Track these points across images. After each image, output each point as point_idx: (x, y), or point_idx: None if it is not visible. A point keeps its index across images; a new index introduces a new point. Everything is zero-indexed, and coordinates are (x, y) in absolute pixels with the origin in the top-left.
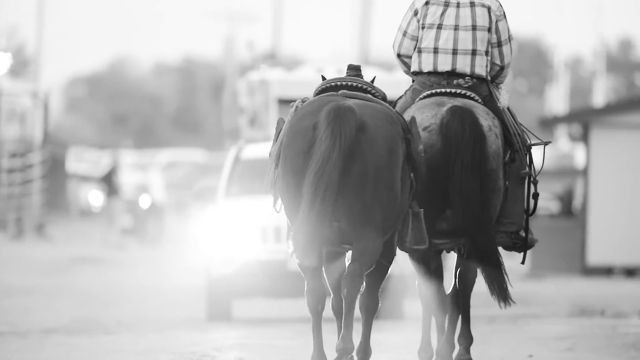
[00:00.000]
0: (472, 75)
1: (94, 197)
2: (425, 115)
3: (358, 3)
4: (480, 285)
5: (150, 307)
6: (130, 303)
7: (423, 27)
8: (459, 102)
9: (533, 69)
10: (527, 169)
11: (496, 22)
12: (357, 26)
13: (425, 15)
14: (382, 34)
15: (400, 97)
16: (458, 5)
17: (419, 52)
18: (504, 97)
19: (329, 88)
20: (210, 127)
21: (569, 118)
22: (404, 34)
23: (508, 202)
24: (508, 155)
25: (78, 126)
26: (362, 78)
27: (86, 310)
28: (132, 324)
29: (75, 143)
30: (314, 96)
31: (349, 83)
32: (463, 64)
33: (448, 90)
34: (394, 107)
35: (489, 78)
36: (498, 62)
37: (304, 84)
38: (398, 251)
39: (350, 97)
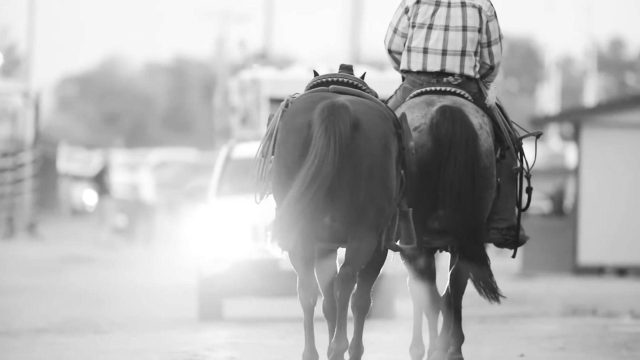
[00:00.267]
0: (462, 75)
1: (88, 196)
2: (416, 115)
3: (349, 3)
4: (471, 285)
5: (142, 307)
6: (122, 302)
7: (413, 26)
8: (448, 100)
9: (524, 69)
10: (519, 164)
11: (487, 22)
12: (348, 26)
13: (416, 15)
14: (373, 33)
15: (391, 96)
16: (449, 5)
17: (409, 50)
18: (492, 94)
19: (319, 84)
20: (202, 126)
21: (560, 117)
22: (395, 30)
23: (500, 198)
24: (499, 152)
25: (69, 125)
26: (353, 76)
27: (78, 310)
28: (124, 324)
29: (67, 142)
30: (306, 91)
31: (340, 79)
32: (452, 65)
33: (438, 88)
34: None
35: (477, 76)
36: (488, 61)
37: (295, 83)
38: (390, 250)
39: (340, 92)
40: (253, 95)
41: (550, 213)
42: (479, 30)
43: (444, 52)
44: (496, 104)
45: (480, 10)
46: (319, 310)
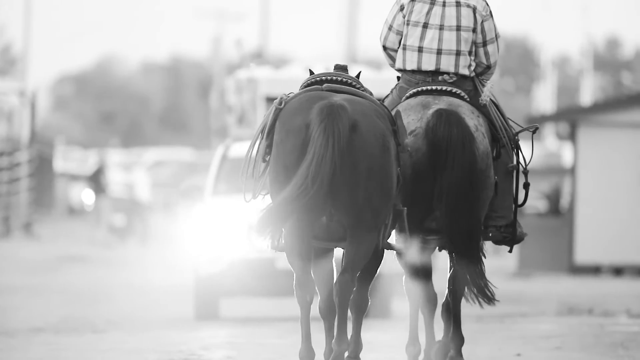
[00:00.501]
0: (456, 74)
1: (87, 195)
2: (411, 119)
3: (345, 2)
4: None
5: (139, 306)
6: (119, 302)
7: (408, 24)
8: (443, 102)
9: (520, 68)
10: (515, 160)
11: (482, 22)
12: (344, 25)
13: (411, 12)
14: (369, 32)
15: (387, 95)
16: (444, 4)
17: (404, 49)
18: (487, 91)
19: (314, 83)
20: (198, 126)
21: (557, 117)
22: (390, 27)
23: (497, 196)
24: (495, 151)
25: (65, 125)
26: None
27: (74, 309)
28: (121, 323)
29: (63, 142)
30: (301, 89)
31: (334, 77)
32: (447, 64)
33: (433, 87)
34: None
35: (472, 75)
36: (484, 61)
37: (292, 82)
38: (389, 250)
39: (335, 91)
40: (249, 95)
41: (547, 212)
42: (474, 30)
43: (439, 52)
44: (492, 100)
45: (475, 10)
46: (315, 310)
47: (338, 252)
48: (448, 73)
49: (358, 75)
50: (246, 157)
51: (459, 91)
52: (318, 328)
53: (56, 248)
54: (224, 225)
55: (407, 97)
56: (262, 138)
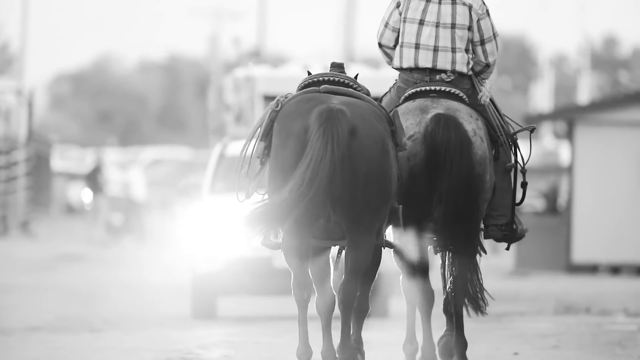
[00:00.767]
0: (454, 72)
1: (86, 194)
2: (410, 123)
3: (342, 1)
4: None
5: (135, 305)
6: (116, 301)
7: (405, 21)
8: (442, 107)
9: (518, 67)
10: (513, 159)
11: (478, 20)
12: (342, 23)
13: (407, 9)
14: (367, 31)
15: (385, 94)
16: (440, 2)
17: (401, 46)
18: (486, 91)
19: (311, 83)
20: (195, 124)
21: (554, 115)
22: (386, 24)
23: (496, 195)
24: (493, 152)
25: (63, 124)
26: (345, 74)
27: (71, 308)
28: (117, 322)
29: (60, 141)
30: (298, 90)
31: (332, 78)
32: (444, 61)
33: (431, 87)
34: (379, 104)
35: (471, 72)
36: (483, 59)
37: (289, 80)
38: (390, 251)
39: (333, 92)
40: (247, 93)
41: (544, 211)
42: (469, 28)
43: (436, 49)
44: (490, 100)
45: (470, 8)
46: (313, 309)
47: (334, 249)
48: (445, 71)
49: (356, 77)
50: (240, 156)
51: (457, 91)
52: (316, 327)
53: (53, 247)
54: (221, 224)
55: (406, 98)
56: (258, 139)
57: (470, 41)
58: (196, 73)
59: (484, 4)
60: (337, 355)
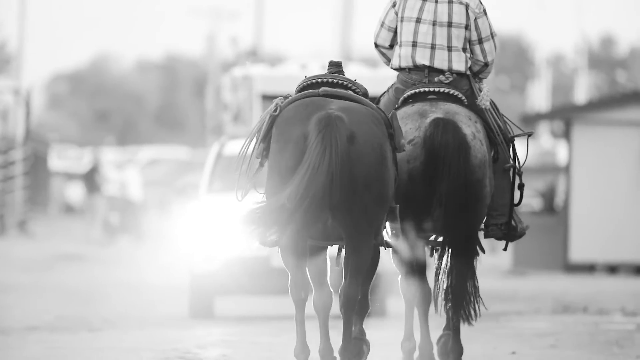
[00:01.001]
0: (451, 71)
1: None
2: (409, 128)
3: (339, 0)
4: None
5: (134, 304)
6: (114, 300)
7: (402, 20)
8: (441, 111)
9: (515, 66)
10: (511, 160)
11: (475, 19)
12: (339, 23)
13: (404, 8)
14: (364, 30)
15: (383, 94)
16: (436, 1)
17: (399, 46)
18: (485, 97)
19: (310, 85)
20: (193, 124)
21: (551, 115)
22: (382, 24)
23: (495, 195)
24: (492, 154)
25: (60, 123)
26: (343, 74)
27: (69, 308)
28: (116, 321)
29: (58, 140)
30: (296, 91)
31: (330, 80)
32: (440, 59)
33: (430, 89)
34: (377, 104)
35: (468, 73)
36: (481, 58)
37: (287, 79)
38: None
39: (331, 95)
40: (245, 92)
41: (541, 210)
42: (466, 27)
43: (433, 46)
44: (490, 100)
45: (467, 7)
46: (310, 308)
47: (332, 248)
48: (443, 72)
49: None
50: (239, 157)
51: (455, 93)
52: (314, 326)
53: (51, 246)
54: (219, 223)
55: (404, 99)
56: (257, 141)
57: (468, 40)
58: (194, 72)
59: (480, 3)
60: (336, 355)
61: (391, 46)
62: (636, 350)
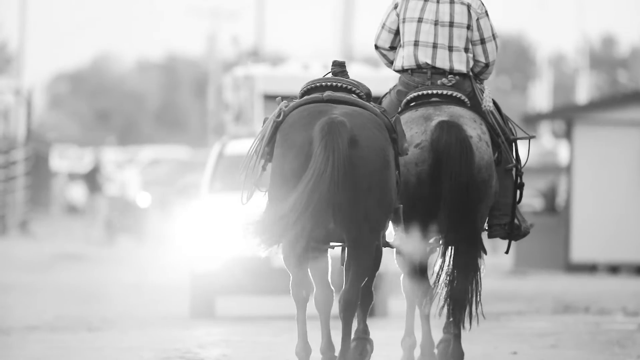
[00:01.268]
0: (452, 71)
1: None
2: (415, 132)
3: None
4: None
5: (134, 304)
6: (114, 300)
7: (404, 21)
8: (445, 113)
9: (516, 66)
10: (514, 161)
11: (477, 19)
12: (340, 22)
13: (405, 10)
14: (365, 29)
15: (385, 95)
16: (438, 1)
17: (402, 47)
18: (487, 98)
19: (314, 89)
20: (194, 124)
21: (552, 115)
22: (383, 26)
23: (498, 195)
24: (496, 156)
25: (61, 123)
26: (347, 74)
27: (70, 307)
28: (116, 321)
29: (59, 140)
30: (300, 96)
31: (334, 84)
32: (442, 59)
33: (433, 91)
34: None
35: (471, 74)
36: (482, 59)
37: (289, 79)
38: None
39: (335, 100)
40: (247, 92)
41: (543, 210)
42: (468, 27)
43: (435, 45)
44: (493, 101)
45: (469, 7)
46: (311, 307)
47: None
48: (445, 72)
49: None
50: (244, 162)
51: (459, 95)
52: (315, 326)
53: (52, 246)
54: (219, 223)
55: (407, 102)
56: (262, 146)
57: (470, 40)
58: (194, 72)
59: (482, 4)
60: (337, 355)
61: (391, 48)
62: (637, 350)
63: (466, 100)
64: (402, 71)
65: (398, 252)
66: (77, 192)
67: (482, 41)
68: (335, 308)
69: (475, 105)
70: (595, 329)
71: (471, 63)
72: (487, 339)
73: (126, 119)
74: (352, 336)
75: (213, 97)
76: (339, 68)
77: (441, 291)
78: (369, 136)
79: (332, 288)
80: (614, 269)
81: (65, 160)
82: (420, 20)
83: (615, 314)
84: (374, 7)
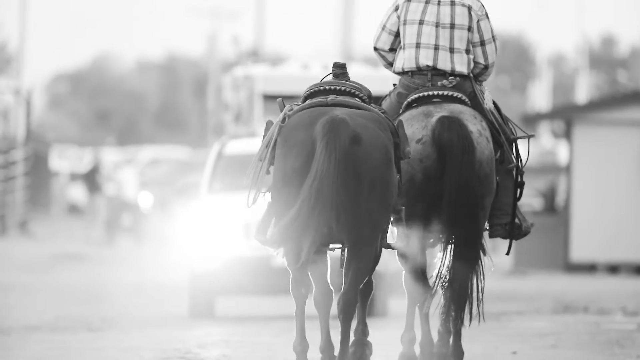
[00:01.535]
0: (454, 73)
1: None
2: (416, 128)
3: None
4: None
5: (134, 304)
6: (114, 300)
7: (405, 23)
8: (445, 110)
9: (516, 66)
10: (515, 161)
11: (477, 21)
12: (340, 22)
13: (406, 12)
14: (364, 30)
15: (385, 97)
16: (439, 3)
17: (403, 49)
18: (487, 98)
19: (317, 92)
20: (193, 124)
21: (552, 115)
22: (383, 27)
23: (499, 195)
24: (498, 155)
25: (61, 123)
26: (347, 76)
27: (70, 308)
28: (116, 321)
29: (58, 140)
30: (303, 99)
31: (337, 87)
32: (444, 60)
33: (434, 92)
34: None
35: (471, 75)
36: (482, 61)
37: (288, 79)
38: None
39: (339, 104)
40: (246, 92)
41: (542, 210)
42: (469, 29)
43: (436, 47)
44: (493, 101)
45: (470, 9)
46: (310, 306)
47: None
48: (446, 74)
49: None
50: (251, 169)
51: (459, 95)
52: (315, 326)
53: (51, 246)
54: (219, 223)
55: (408, 104)
56: (268, 152)
57: (470, 42)
58: (194, 72)
59: (483, 6)
60: (336, 355)
61: (391, 50)
62: (637, 350)
63: (466, 99)
64: (402, 73)
65: (399, 250)
66: (78, 192)
67: (482, 43)
68: (335, 308)
69: (475, 105)
70: (594, 329)
71: (472, 64)
72: (487, 339)
73: (126, 119)
74: (351, 336)
75: (213, 97)
76: (340, 70)
77: (442, 289)
78: (371, 134)
79: (332, 288)
80: (613, 269)
81: (65, 160)
82: (421, 22)
83: (614, 313)
84: (374, 8)
